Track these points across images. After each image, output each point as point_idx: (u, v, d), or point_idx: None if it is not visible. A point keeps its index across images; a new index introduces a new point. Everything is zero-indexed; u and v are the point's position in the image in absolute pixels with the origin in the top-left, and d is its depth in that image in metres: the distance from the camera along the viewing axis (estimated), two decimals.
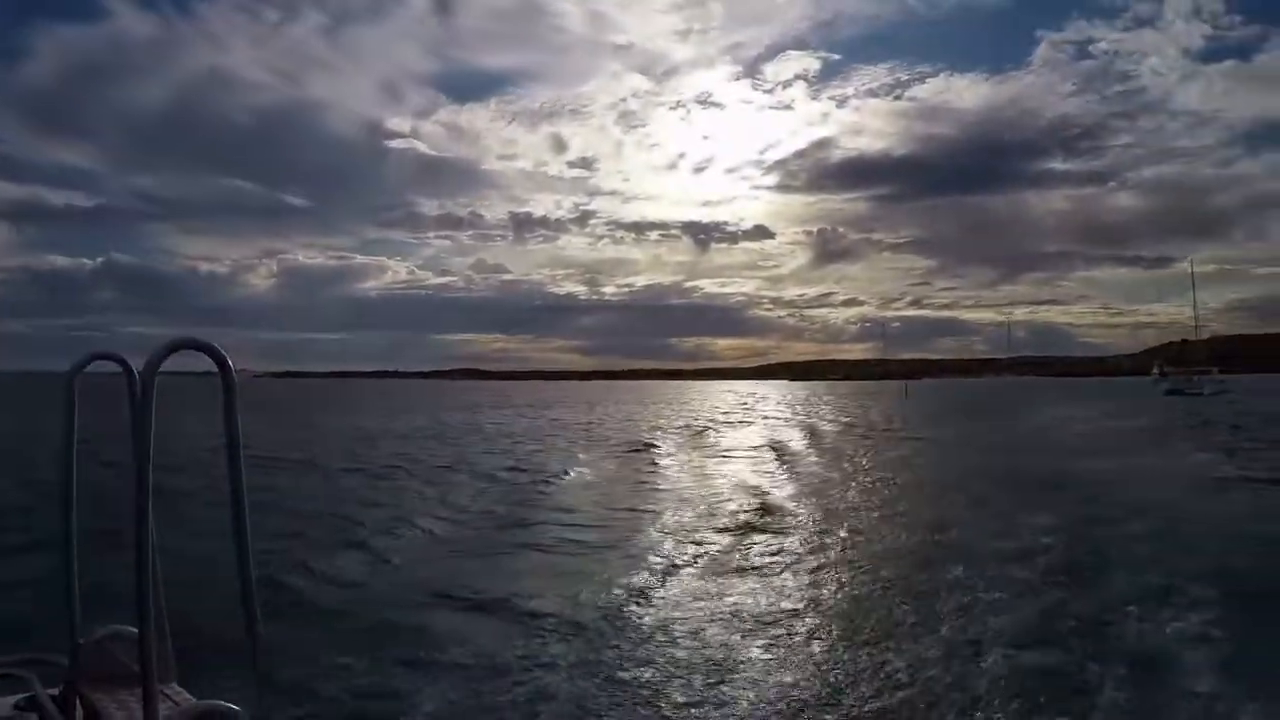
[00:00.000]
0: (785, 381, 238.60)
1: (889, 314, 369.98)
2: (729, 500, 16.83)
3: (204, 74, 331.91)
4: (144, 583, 1.89)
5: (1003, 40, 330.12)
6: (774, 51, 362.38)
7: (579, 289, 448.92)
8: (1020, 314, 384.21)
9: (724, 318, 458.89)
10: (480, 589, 9.62)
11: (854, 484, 19.37)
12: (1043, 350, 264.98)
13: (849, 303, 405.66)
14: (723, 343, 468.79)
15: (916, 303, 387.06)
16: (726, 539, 13.02)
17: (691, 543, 12.69)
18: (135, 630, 1.96)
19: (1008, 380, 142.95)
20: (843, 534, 13.33)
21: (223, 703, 2.04)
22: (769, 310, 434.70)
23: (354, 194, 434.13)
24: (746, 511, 15.35)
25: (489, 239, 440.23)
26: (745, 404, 79.17)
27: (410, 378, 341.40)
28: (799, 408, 69.89)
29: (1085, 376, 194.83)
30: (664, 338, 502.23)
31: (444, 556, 11.75)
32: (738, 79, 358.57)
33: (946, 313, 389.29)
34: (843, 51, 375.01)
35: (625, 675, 7.09)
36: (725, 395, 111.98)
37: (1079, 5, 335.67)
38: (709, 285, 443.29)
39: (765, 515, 14.99)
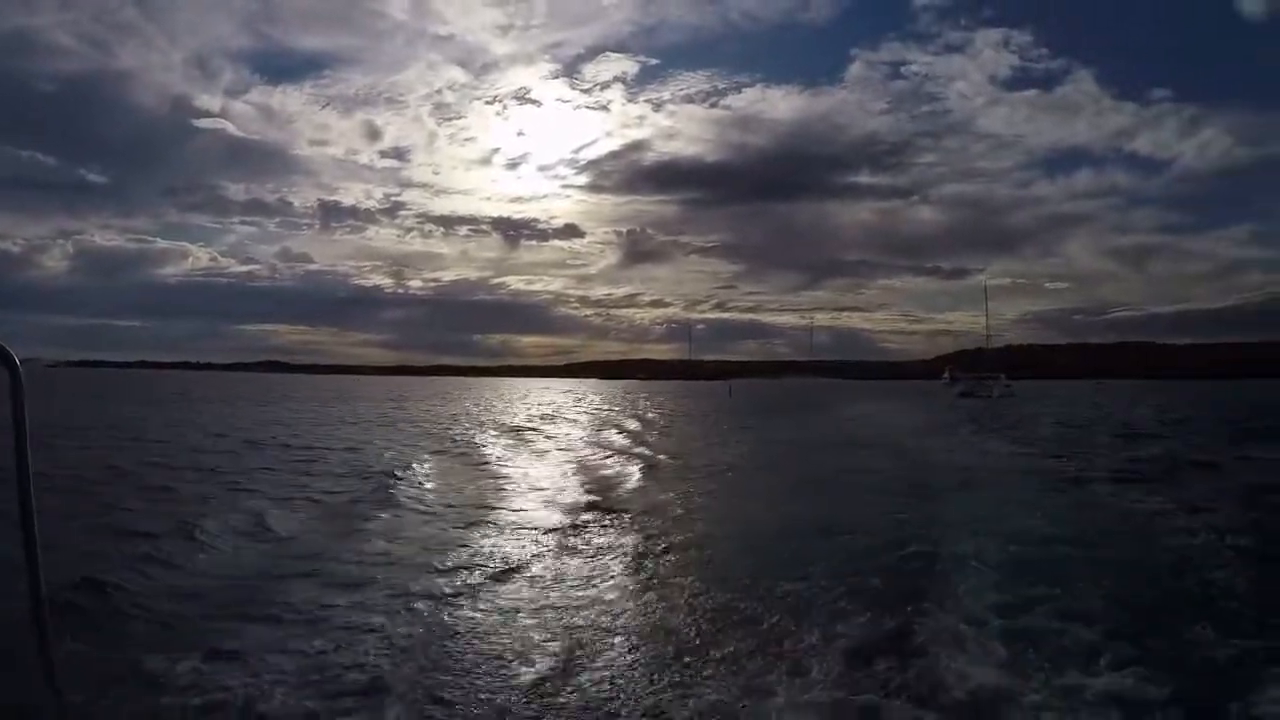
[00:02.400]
0: (597, 380, 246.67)
1: (694, 316, 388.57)
2: (567, 495, 17.75)
3: (7, 36, 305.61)
4: None
5: (819, 57, 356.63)
6: (594, 53, 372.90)
7: (385, 282, 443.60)
8: (822, 319, 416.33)
9: (530, 315, 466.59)
10: (303, 600, 9.20)
11: (705, 477, 21.15)
12: (843, 354, 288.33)
13: (655, 303, 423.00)
14: (528, 340, 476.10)
15: (721, 305, 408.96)
16: (559, 535, 13.37)
17: (530, 539, 13.04)
18: None
19: (813, 381, 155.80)
20: (697, 528, 13.93)
21: None
22: (576, 309, 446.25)
23: (157, 173, 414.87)
24: (585, 505, 16.23)
25: (296, 227, 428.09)
26: (579, 400, 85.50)
27: (213, 369, 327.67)
28: (636, 403, 79.22)
29: (884, 379, 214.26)
30: (469, 334, 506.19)
31: (270, 563, 11.26)
32: (556, 77, 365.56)
33: (750, 316, 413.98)
34: (662, 57, 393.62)
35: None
36: (545, 393, 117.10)
37: (894, 28, 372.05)
38: (516, 282, 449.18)
39: (611, 510, 15.72)
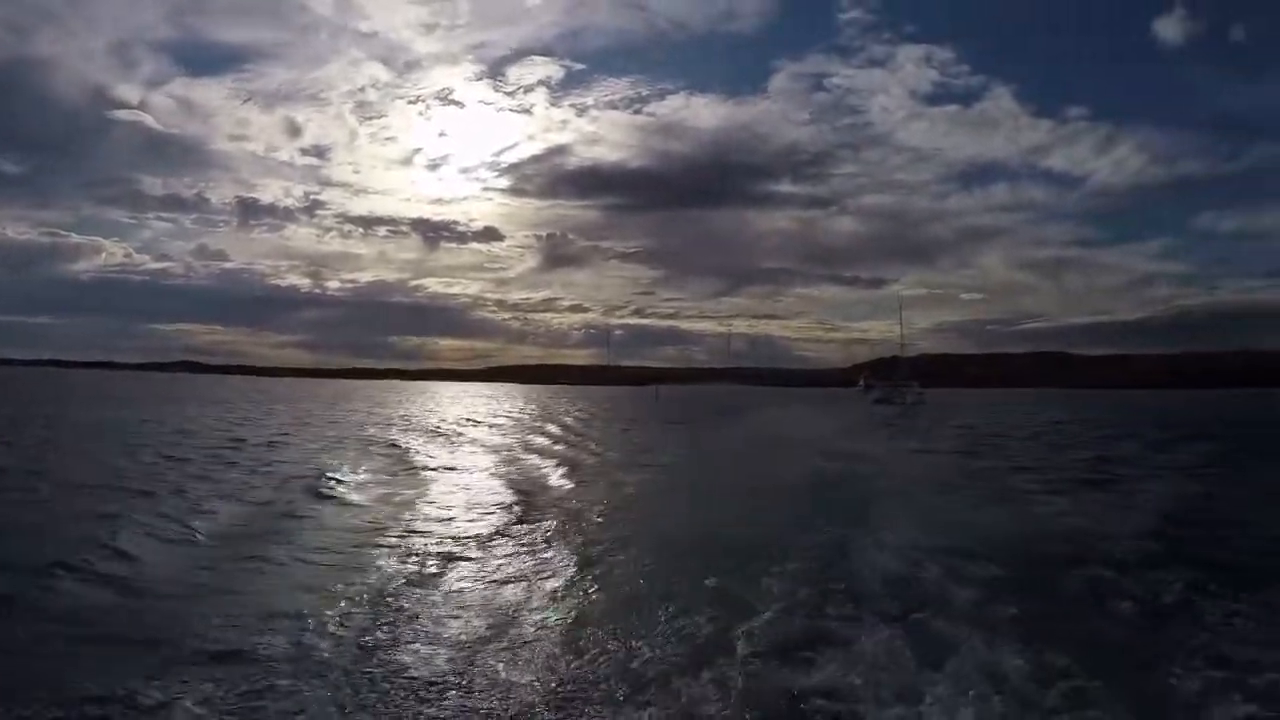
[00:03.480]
0: (517, 385, 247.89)
1: (613, 321, 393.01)
2: (492, 501, 18.35)
3: None
4: None
5: (744, 67, 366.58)
6: (519, 55, 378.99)
7: (302, 282, 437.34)
8: (740, 326, 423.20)
9: (448, 318, 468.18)
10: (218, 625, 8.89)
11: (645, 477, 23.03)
12: (760, 361, 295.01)
13: (574, 308, 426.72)
14: (445, 343, 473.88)
15: (640, 311, 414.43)
16: (480, 544, 13.75)
17: (454, 544, 13.56)
18: None
19: (733, 388, 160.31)
20: (624, 528, 14.73)
21: None
22: (494, 312, 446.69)
23: (73, 165, 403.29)
24: (516, 514, 16.68)
25: (213, 224, 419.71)
26: (509, 407, 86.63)
27: (126, 369, 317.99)
28: (565, 408, 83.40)
29: (801, 386, 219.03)
30: (386, 336, 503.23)
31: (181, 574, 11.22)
32: (480, 79, 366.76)
33: (669, 322, 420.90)
34: (588, 61, 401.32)
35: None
36: (468, 398, 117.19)
37: (818, 41, 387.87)
38: (435, 285, 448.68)
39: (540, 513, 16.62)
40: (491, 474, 23.90)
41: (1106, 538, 13.35)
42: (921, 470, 24.41)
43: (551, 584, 11.03)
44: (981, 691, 7.02)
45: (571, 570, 11.71)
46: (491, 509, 17.18)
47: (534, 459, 28.42)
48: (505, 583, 11.16)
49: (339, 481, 20.11)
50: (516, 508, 17.25)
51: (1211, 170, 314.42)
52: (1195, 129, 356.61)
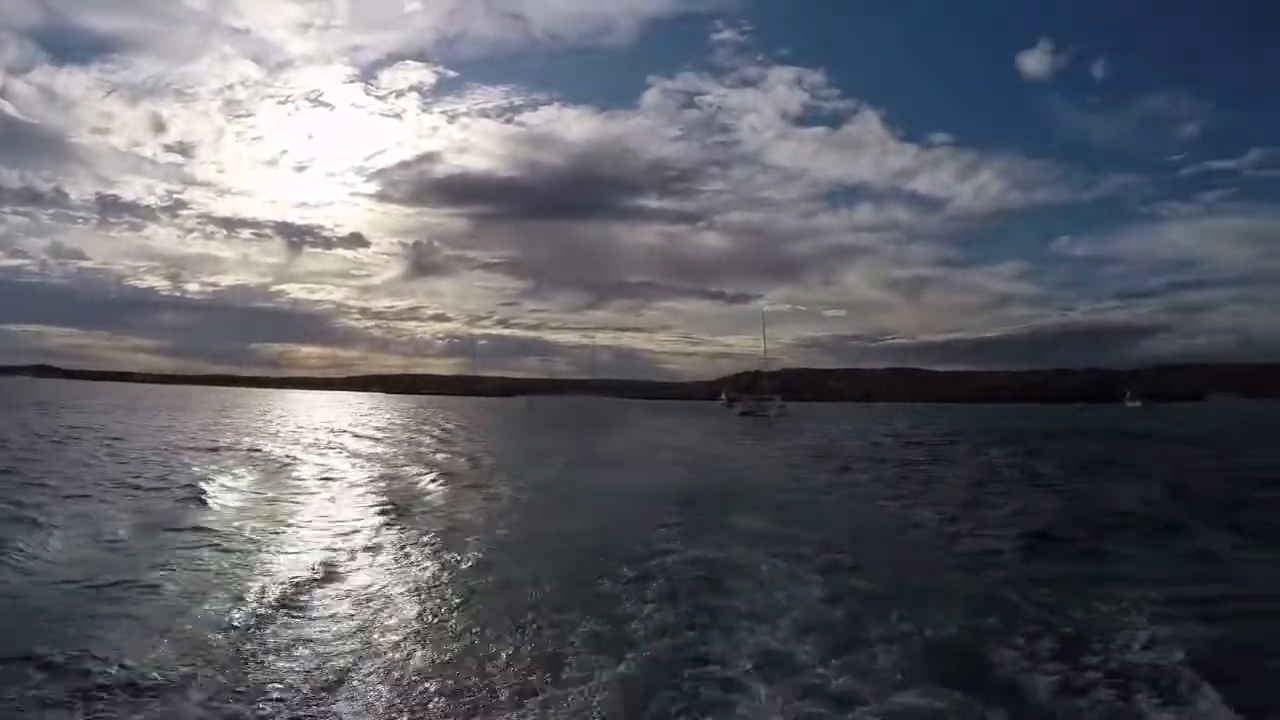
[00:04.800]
0: (383, 394, 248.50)
1: (477, 331, 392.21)
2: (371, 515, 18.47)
3: None
4: None
5: (616, 81, 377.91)
6: (393, 59, 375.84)
7: (162, 284, 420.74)
8: (604, 338, 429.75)
9: (310, 325, 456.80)
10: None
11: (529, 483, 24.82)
12: (623, 374, 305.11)
13: (438, 317, 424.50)
14: (306, 350, 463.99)
15: (504, 322, 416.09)
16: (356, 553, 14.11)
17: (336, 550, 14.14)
18: None
19: (599, 400, 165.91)
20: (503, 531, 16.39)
21: None
22: (357, 320, 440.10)
23: None
24: (385, 523, 17.25)
25: (70, 220, 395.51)
26: (381, 417, 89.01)
27: None
28: (436, 419, 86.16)
29: (665, 399, 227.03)
30: (247, 343, 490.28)
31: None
32: (352, 81, 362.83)
33: (533, 333, 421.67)
34: (461, 69, 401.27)
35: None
36: (336, 407, 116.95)
37: (691, 59, 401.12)
38: (297, 290, 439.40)
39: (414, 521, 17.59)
40: (369, 485, 24.24)
41: (918, 525, 18.46)
42: (778, 468, 31.46)
43: (429, 593, 11.45)
44: (846, 686, 7.94)
45: (448, 579, 12.25)
46: (367, 521, 17.51)
47: (415, 469, 29.11)
48: (380, 595, 11.35)
49: (206, 494, 20.03)
50: (393, 519, 17.73)
51: (1067, 197, 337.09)
52: (1053, 158, 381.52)
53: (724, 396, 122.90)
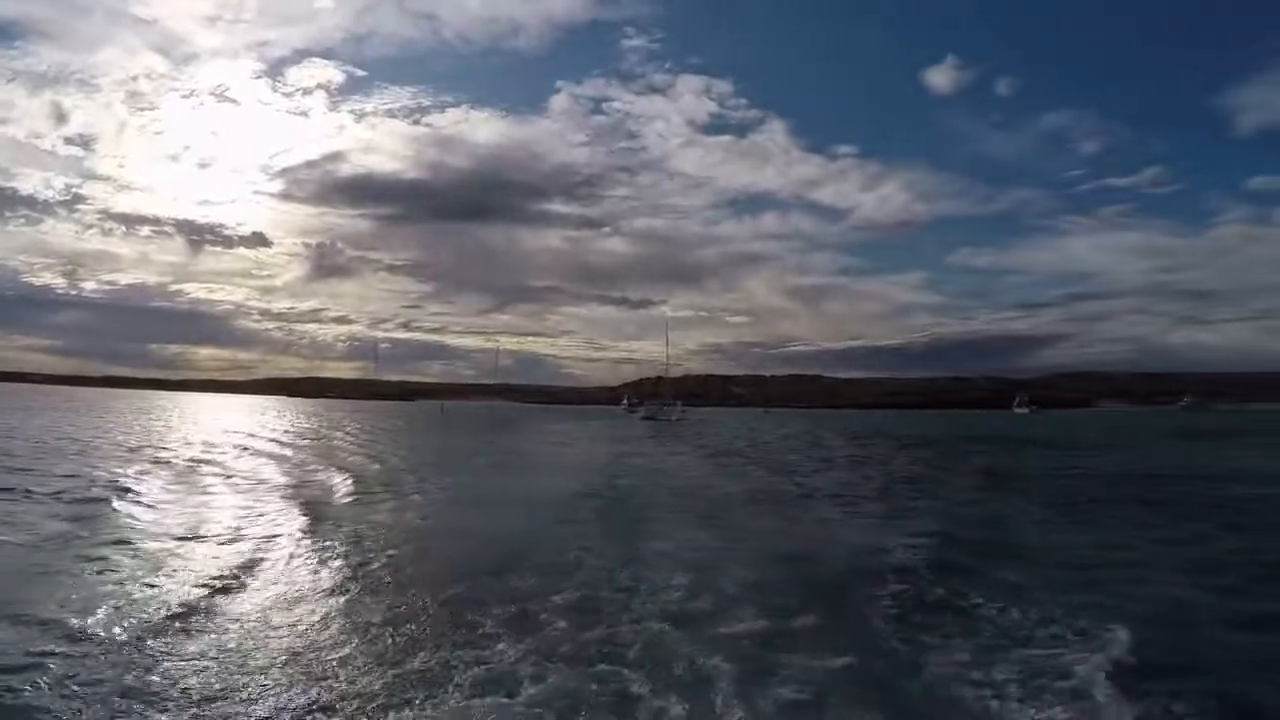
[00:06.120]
0: (283, 398, 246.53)
1: (379, 334, 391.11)
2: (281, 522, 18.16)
3: None
4: None
5: (526, 85, 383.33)
6: (301, 56, 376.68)
7: (58, 281, 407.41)
8: (507, 343, 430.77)
9: (209, 326, 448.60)
10: None
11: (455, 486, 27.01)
12: (526, 378, 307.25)
13: (340, 320, 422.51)
14: (205, 352, 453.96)
15: (407, 325, 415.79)
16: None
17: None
18: None
19: (505, 404, 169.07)
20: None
21: None
22: (257, 322, 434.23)
23: None
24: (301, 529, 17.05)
25: None
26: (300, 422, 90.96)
27: None
28: (347, 422, 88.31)
29: (568, 404, 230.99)
30: (145, 343, 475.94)
31: None
32: (259, 77, 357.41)
33: (436, 337, 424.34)
34: (370, 68, 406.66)
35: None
36: (242, 411, 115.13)
37: (601, 65, 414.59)
38: (197, 290, 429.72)
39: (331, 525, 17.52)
40: (281, 491, 23.88)
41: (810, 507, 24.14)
42: (678, 470, 35.54)
43: (336, 598, 11.49)
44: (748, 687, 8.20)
45: (358, 584, 12.29)
46: (278, 527, 17.33)
47: (333, 475, 28.56)
48: (285, 599, 11.39)
49: (105, 500, 19.84)
50: (305, 525, 17.54)
51: (969, 210, 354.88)
52: (956, 172, 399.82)
53: (625, 402, 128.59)
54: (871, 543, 15.97)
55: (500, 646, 9.30)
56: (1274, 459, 40.97)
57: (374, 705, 7.65)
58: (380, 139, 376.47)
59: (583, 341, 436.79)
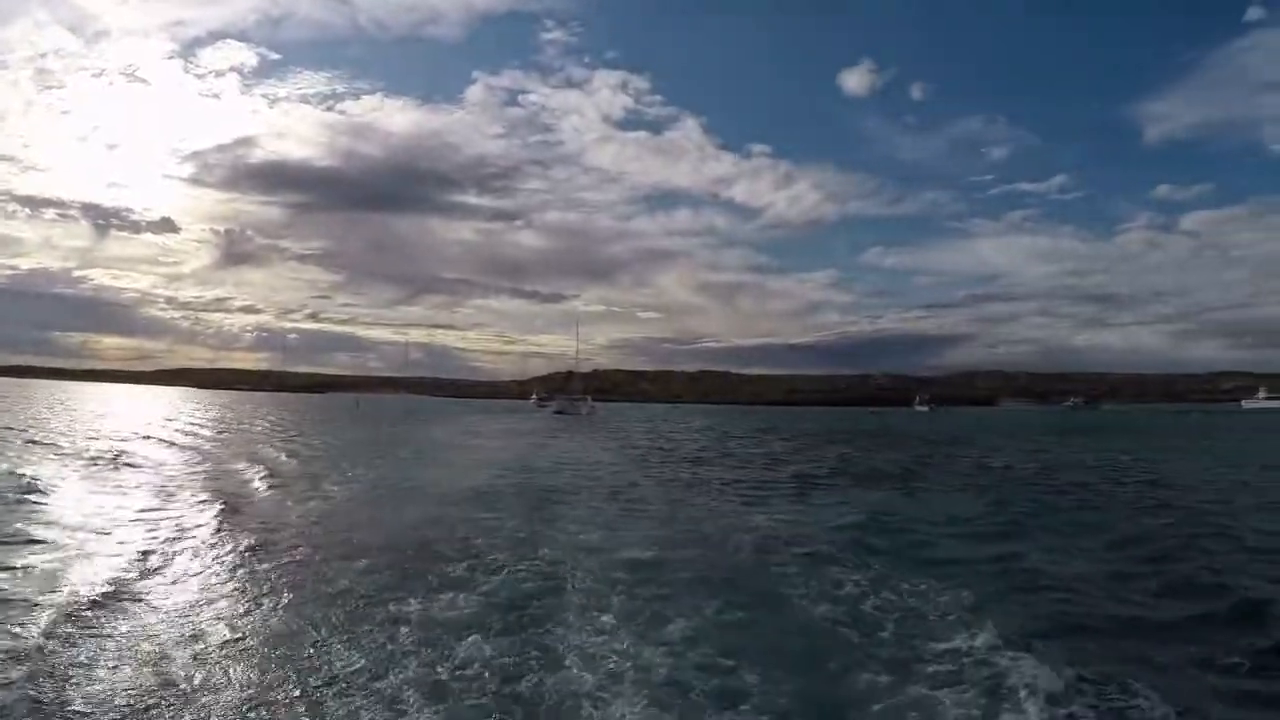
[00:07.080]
0: (190, 389, 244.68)
1: (287, 324, 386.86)
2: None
3: None
4: None
5: (442, 74, 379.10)
6: (215, 37, 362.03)
7: None
8: (417, 335, 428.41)
9: (114, 314, 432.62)
10: None
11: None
12: (436, 371, 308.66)
13: (248, 309, 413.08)
14: (109, 341, 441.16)
15: (316, 316, 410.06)
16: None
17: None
18: None
19: (413, 398, 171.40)
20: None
21: None
22: (163, 310, 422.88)
23: None
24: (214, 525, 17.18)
25: None
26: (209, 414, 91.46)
27: None
28: (262, 414, 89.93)
29: (479, 398, 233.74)
30: (47, 331, 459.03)
31: None
32: (171, 58, 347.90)
33: (345, 328, 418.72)
34: (285, 52, 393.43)
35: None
36: (149, 402, 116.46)
37: (518, 56, 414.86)
38: (102, 276, 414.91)
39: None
40: (196, 485, 24.01)
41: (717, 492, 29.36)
42: (588, 462, 39.95)
43: (251, 595, 11.54)
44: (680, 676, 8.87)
45: (272, 581, 12.31)
46: (193, 523, 17.40)
47: (245, 466, 29.78)
48: (199, 599, 11.36)
49: (18, 493, 19.89)
50: (221, 520, 17.61)
51: (879, 211, 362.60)
52: (868, 173, 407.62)
53: (535, 396, 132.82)
54: (741, 516, 19.93)
55: (432, 613, 10.70)
56: (1078, 451, 46.44)
57: (291, 698, 8.00)
58: (293, 124, 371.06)
59: (493, 335, 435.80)
